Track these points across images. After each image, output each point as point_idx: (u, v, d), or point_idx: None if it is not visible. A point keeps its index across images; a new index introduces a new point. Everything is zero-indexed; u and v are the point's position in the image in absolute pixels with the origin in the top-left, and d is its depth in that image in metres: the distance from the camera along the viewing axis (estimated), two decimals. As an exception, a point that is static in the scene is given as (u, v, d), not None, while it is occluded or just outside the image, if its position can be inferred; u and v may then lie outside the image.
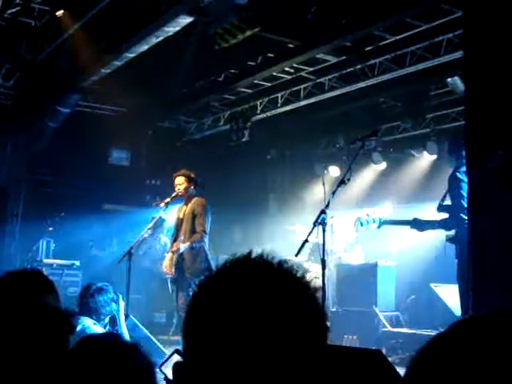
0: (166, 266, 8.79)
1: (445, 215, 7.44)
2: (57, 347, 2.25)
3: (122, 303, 6.08)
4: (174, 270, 8.67)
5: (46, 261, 11.75)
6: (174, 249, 8.70)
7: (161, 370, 1.72)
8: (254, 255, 1.23)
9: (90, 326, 5.46)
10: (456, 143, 7.12)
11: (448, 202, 7.41)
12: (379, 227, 7.97)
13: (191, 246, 8.59)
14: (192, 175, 8.94)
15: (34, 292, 2.47)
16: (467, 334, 1.06)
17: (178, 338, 9.01)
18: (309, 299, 1.22)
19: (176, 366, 1.23)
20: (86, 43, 9.19)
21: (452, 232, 7.32)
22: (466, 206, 6.78)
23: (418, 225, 7.71)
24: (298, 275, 1.23)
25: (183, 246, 8.60)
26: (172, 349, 7.56)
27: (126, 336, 5.99)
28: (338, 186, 6.49)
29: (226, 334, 1.14)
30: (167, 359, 3.26)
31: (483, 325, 1.08)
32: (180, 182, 8.86)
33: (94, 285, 5.85)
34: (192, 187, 8.89)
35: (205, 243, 8.75)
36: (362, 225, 8.04)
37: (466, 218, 6.89)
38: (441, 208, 7.51)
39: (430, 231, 7.87)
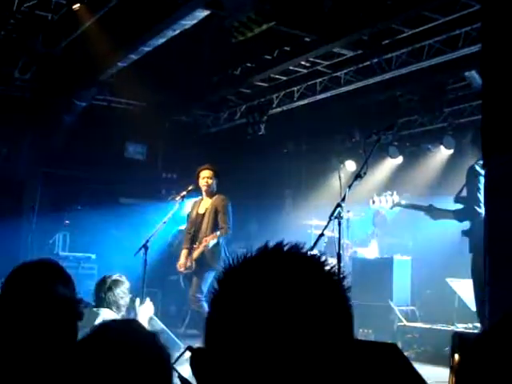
0: (181, 263, 8.81)
1: (460, 206, 7.43)
2: (65, 334, 2.27)
3: (138, 305, 6.09)
4: (194, 264, 8.67)
5: (62, 254, 11.82)
6: (200, 241, 8.68)
7: (173, 368, 1.73)
8: (282, 245, 1.22)
9: (111, 317, 5.48)
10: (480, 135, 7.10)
11: (465, 194, 7.40)
12: (392, 208, 7.97)
13: (218, 241, 8.60)
14: (218, 171, 8.92)
15: (46, 280, 2.49)
16: None
17: (192, 331, 9.03)
18: (336, 291, 1.21)
19: (195, 353, 1.22)
20: (102, 36, 9.20)
21: (467, 225, 7.30)
22: (481, 198, 6.76)
23: (433, 212, 7.72)
24: (326, 266, 1.22)
25: (212, 242, 8.58)
26: (187, 343, 7.59)
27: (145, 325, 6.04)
28: (354, 179, 6.47)
29: (251, 324, 1.13)
30: (180, 356, 3.24)
31: None
32: (209, 176, 8.82)
33: (109, 278, 5.85)
34: (215, 183, 8.88)
35: (223, 242, 8.78)
36: (373, 202, 8.04)
37: (480, 210, 6.88)
38: (457, 200, 7.50)
39: (443, 220, 7.86)
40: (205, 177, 8.82)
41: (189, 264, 8.71)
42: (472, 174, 7.13)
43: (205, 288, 8.52)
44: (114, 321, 2.30)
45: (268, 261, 1.20)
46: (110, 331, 1.85)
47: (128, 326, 1.94)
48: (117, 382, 1.71)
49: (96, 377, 1.71)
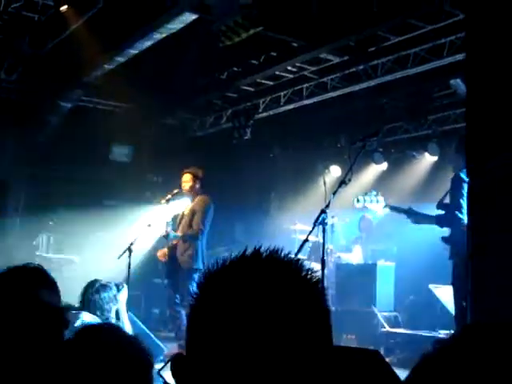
0: (161, 254, 8.89)
1: (442, 213, 7.49)
2: (52, 342, 2.26)
3: (125, 292, 6.16)
4: (166, 258, 8.78)
5: (45, 255, 11.77)
6: (165, 234, 8.76)
7: (160, 375, 1.74)
8: (261, 251, 1.23)
9: (91, 321, 5.50)
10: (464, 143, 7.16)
11: (448, 201, 7.45)
12: (385, 207, 8.01)
13: (183, 238, 8.66)
14: (200, 174, 9.01)
15: (31, 287, 2.49)
16: (472, 343, 1.08)
17: (173, 333, 9.03)
18: (314, 296, 1.22)
19: (176, 359, 1.24)
20: (89, 39, 9.19)
21: (446, 232, 7.36)
22: (464, 205, 6.82)
23: (413, 215, 7.77)
24: (304, 271, 1.23)
25: (173, 234, 8.68)
26: (169, 345, 7.56)
27: (128, 327, 6.07)
28: (339, 186, 6.52)
29: (230, 330, 1.14)
30: (166, 364, 3.25)
31: (487, 335, 1.10)
32: (186, 180, 8.95)
33: (97, 281, 5.95)
34: (198, 186, 8.96)
35: (200, 242, 8.79)
36: (358, 201, 8.08)
37: (462, 217, 6.94)
38: (440, 206, 7.56)
39: (424, 225, 7.92)
40: (183, 181, 8.97)
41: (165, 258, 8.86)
42: (457, 181, 7.19)
43: (182, 293, 8.57)
44: (95, 324, 2.31)
45: (246, 266, 1.21)
46: (91, 334, 1.86)
47: (110, 330, 1.95)
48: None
49: (78, 380, 1.72)
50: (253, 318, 1.14)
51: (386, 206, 8.07)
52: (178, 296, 8.70)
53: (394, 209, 8.19)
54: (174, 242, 8.82)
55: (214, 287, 1.22)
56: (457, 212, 7.12)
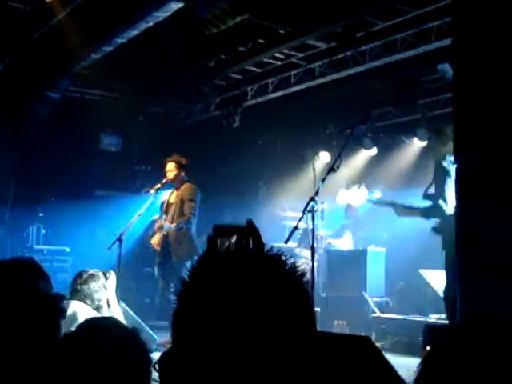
0: (155, 241, 8.87)
1: (428, 203, 7.50)
2: (48, 332, 2.28)
3: (113, 280, 6.18)
4: (160, 249, 8.77)
5: (36, 247, 11.76)
6: (157, 225, 8.77)
7: (155, 369, 1.76)
8: (248, 247, 1.26)
9: (81, 308, 5.54)
10: (444, 130, 7.16)
11: (433, 190, 7.46)
12: (367, 202, 8.03)
13: (178, 227, 8.64)
14: (183, 162, 8.99)
15: (25, 278, 2.50)
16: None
17: (164, 322, 9.03)
18: (296, 287, 1.24)
19: (163, 356, 1.25)
20: (75, 28, 9.14)
21: (434, 223, 7.37)
22: (446, 195, 6.84)
23: (396, 207, 7.79)
24: (287, 263, 1.25)
25: (167, 225, 8.67)
26: (160, 335, 7.56)
27: (119, 314, 6.11)
28: (328, 173, 6.52)
29: (215, 325, 1.16)
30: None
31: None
32: (170, 169, 8.94)
33: (85, 272, 5.96)
34: (183, 174, 8.95)
35: (191, 226, 8.80)
36: (341, 197, 8.11)
37: (445, 207, 6.96)
38: (425, 196, 7.57)
39: (408, 217, 7.94)
40: (167, 170, 8.97)
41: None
42: (438, 170, 7.20)
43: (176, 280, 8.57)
44: (94, 318, 2.32)
45: (231, 262, 1.23)
46: (91, 329, 1.87)
47: (109, 324, 1.96)
48: (99, 379, 1.73)
49: (78, 373, 1.73)
50: (237, 312, 1.16)
51: (369, 201, 8.09)
52: (171, 285, 8.69)
53: (377, 203, 8.21)
54: (165, 233, 8.81)
55: (199, 284, 1.23)
56: (440, 202, 7.14)
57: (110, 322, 2.09)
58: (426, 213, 7.48)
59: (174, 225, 8.70)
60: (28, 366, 2.05)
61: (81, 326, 1.90)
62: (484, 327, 1.17)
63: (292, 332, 1.19)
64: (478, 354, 1.13)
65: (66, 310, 2.61)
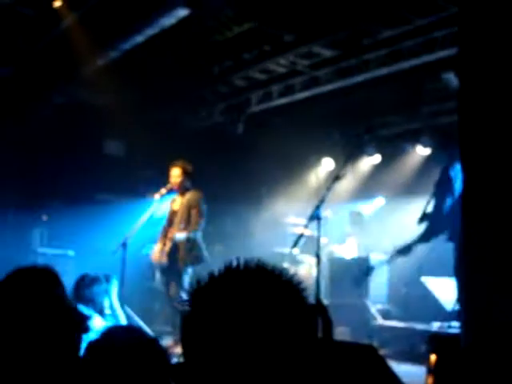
0: (156, 255, 8.86)
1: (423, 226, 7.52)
2: (70, 347, 2.24)
3: (115, 284, 6.22)
4: (166, 259, 8.74)
5: (39, 250, 11.77)
6: (170, 235, 8.76)
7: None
8: (243, 263, 1.30)
9: (86, 314, 5.57)
10: (450, 139, 7.19)
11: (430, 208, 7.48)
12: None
13: (187, 237, 8.63)
14: (189, 168, 8.97)
15: (49, 289, 2.48)
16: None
17: (166, 328, 9.04)
18: (297, 301, 1.28)
19: (177, 367, 1.29)
20: (82, 34, 9.19)
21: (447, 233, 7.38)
22: (448, 202, 6.85)
23: (402, 252, 7.82)
24: (287, 279, 1.29)
25: (179, 235, 8.65)
26: (165, 340, 7.57)
27: (122, 318, 6.15)
28: (333, 181, 6.54)
29: (223, 339, 1.20)
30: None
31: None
32: (176, 174, 8.91)
33: (88, 275, 6.00)
34: (187, 180, 8.93)
35: (198, 237, 8.80)
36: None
37: (447, 213, 6.98)
38: (421, 220, 7.57)
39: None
40: (172, 175, 8.92)
41: (163, 258, 8.79)
42: (441, 180, 7.22)
43: (184, 287, 8.57)
44: (117, 327, 2.34)
45: (237, 278, 1.28)
46: (114, 338, 1.90)
47: (131, 333, 1.99)
48: None
49: (102, 381, 1.76)
50: (244, 325, 1.20)
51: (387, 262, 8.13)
52: (176, 292, 8.66)
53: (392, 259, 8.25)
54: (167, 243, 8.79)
55: (204, 300, 1.27)
56: (441, 212, 7.15)
57: (130, 330, 2.11)
58: (424, 238, 7.50)
59: (185, 234, 8.67)
60: (51, 379, 2.05)
61: (102, 335, 1.92)
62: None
63: (296, 342, 1.22)
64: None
65: (89, 327, 2.60)
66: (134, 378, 1.77)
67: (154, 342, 1.92)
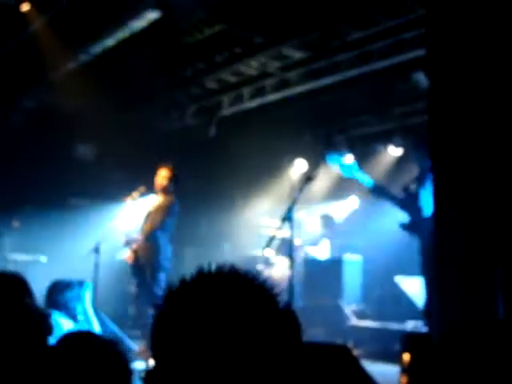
0: (128, 256, 8.81)
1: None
2: (37, 348, 2.26)
3: (88, 290, 6.18)
4: (132, 260, 8.68)
5: (10, 257, 11.65)
6: (124, 243, 8.71)
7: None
8: (218, 267, 1.29)
9: (57, 320, 5.53)
10: (422, 140, 7.24)
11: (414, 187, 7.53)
12: (369, 187, 8.03)
13: (146, 239, 8.57)
14: (177, 173, 8.89)
15: (16, 295, 2.47)
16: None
17: (136, 332, 8.99)
18: (269, 306, 1.27)
19: (147, 373, 1.28)
20: (52, 37, 9.12)
21: (408, 219, 7.44)
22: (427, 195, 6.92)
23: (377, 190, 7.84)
24: (260, 284, 1.29)
25: (136, 238, 8.61)
26: (137, 344, 7.52)
27: (96, 325, 6.11)
28: (305, 182, 6.55)
29: (193, 345, 1.19)
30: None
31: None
32: (164, 176, 8.78)
33: (61, 281, 5.95)
34: (171, 185, 8.83)
35: (161, 239, 8.69)
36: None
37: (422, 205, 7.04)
38: (405, 190, 7.63)
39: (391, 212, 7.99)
40: (160, 176, 8.80)
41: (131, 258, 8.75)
42: (424, 172, 7.29)
43: (147, 292, 8.50)
44: (73, 332, 2.32)
45: (205, 284, 1.27)
46: (71, 342, 1.88)
47: (88, 336, 1.97)
48: None
49: None
50: (214, 331, 1.20)
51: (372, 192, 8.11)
52: (144, 295, 8.62)
53: (377, 193, 8.24)
54: (135, 246, 8.72)
55: (175, 306, 1.27)
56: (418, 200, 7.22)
57: (89, 334, 2.09)
58: (402, 203, 7.54)
59: (141, 238, 8.61)
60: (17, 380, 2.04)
61: (61, 339, 1.90)
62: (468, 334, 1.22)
63: (266, 347, 1.22)
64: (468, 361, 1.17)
65: (53, 327, 2.60)
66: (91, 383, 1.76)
67: (108, 345, 1.90)
